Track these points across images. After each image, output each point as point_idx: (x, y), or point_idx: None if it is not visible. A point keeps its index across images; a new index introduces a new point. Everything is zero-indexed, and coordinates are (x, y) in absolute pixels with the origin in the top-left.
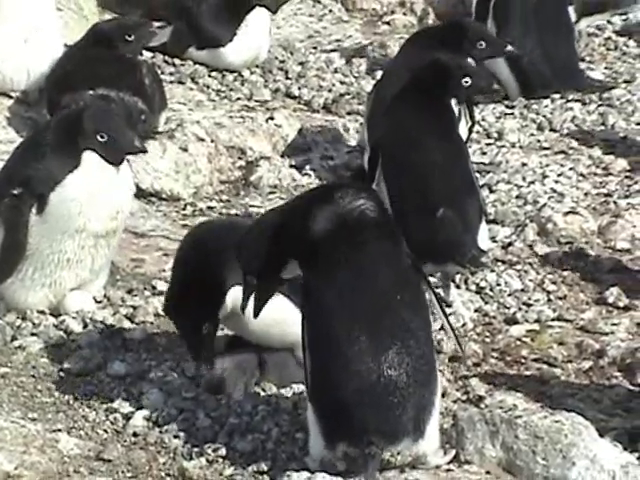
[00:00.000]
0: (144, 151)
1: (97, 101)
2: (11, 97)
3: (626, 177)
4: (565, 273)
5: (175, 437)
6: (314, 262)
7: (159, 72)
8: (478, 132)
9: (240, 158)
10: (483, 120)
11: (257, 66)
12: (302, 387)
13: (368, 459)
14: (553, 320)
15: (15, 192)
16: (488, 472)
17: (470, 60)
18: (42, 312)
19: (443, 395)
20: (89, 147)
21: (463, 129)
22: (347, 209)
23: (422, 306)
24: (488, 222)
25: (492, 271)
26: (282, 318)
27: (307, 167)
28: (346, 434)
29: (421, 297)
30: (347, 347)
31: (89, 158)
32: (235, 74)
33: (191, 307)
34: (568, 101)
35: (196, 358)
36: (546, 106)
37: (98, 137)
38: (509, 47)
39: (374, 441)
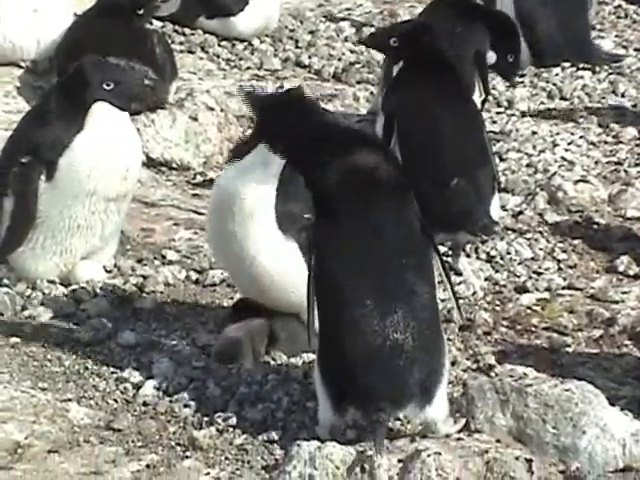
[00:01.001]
0: (153, 87)
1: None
2: (21, 67)
3: (636, 145)
4: (575, 242)
5: (185, 406)
6: (323, 212)
7: (169, 41)
8: (488, 101)
9: (250, 127)
10: (493, 89)
11: (267, 35)
12: (312, 356)
13: (376, 426)
14: (563, 289)
15: (23, 160)
16: (498, 441)
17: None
18: (52, 282)
19: (453, 364)
20: (98, 98)
21: (476, 100)
22: (362, 164)
23: (428, 270)
24: (499, 191)
25: (502, 239)
26: (295, 279)
27: None
28: (354, 400)
29: (428, 261)
30: (352, 311)
31: (97, 114)
32: (245, 43)
33: None
34: (578, 69)
35: None
36: (556, 74)
37: (104, 86)
38: None
39: (382, 407)
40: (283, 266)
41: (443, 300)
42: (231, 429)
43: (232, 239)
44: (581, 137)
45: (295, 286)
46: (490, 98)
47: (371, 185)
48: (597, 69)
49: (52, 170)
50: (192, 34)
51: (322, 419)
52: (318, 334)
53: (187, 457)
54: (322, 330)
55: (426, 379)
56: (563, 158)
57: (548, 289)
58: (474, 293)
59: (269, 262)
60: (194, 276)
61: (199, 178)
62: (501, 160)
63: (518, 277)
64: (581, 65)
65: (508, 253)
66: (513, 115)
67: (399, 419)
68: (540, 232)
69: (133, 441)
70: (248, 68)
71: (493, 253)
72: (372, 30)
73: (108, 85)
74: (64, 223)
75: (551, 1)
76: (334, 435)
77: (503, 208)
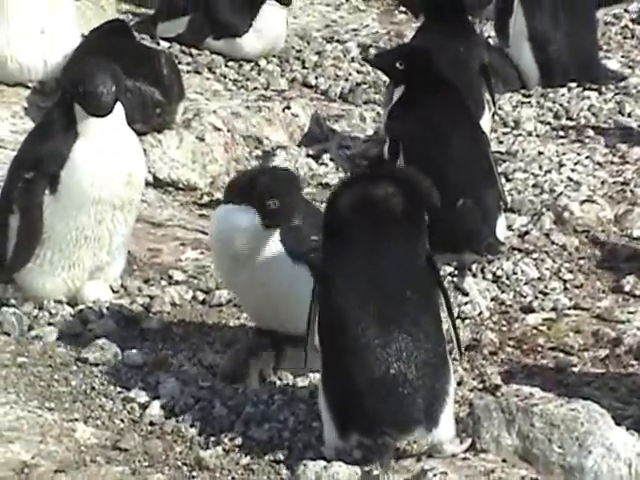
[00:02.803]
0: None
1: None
2: (28, 87)
3: None
4: (581, 262)
5: (191, 426)
6: (332, 238)
7: (176, 62)
8: (495, 121)
9: (257, 147)
10: (500, 109)
11: (274, 56)
12: (318, 376)
13: (382, 449)
14: (569, 308)
15: (27, 176)
16: (504, 460)
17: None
18: (59, 302)
19: (459, 384)
20: (75, 100)
21: (488, 118)
22: (374, 193)
23: (433, 300)
24: (505, 211)
25: (508, 259)
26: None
27: (324, 156)
28: (358, 425)
29: (433, 291)
30: (355, 338)
31: (87, 121)
32: (252, 64)
33: None
34: (585, 89)
35: None
36: (563, 95)
37: (79, 88)
38: None
39: (387, 431)
40: (294, 289)
41: None
42: (237, 449)
43: (240, 266)
44: (587, 157)
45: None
46: (496, 118)
47: (379, 215)
48: (603, 89)
49: (55, 183)
50: (199, 55)
51: (327, 442)
52: (322, 359)
53: (194, 477)
54: (326, 356)
55: (431, 405)
56: (569, 178)
57: (554, 309)
58: (480, 313)
59: (279, 286)
60: (201, 296)
61: (206, 198)
62: (507, 180)
63: (524, 297)
64: (587, 85)
65: (514, 273)
66: (519, 135)
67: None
68: (546, 252)
69: (140, 461)
70: (255, 88)
71: (499, 273)
72: (378, 51)
73: (81, 88)
74: (71, 235)
75: (563, 23)
76: (340, 456)
77: (509, 228)
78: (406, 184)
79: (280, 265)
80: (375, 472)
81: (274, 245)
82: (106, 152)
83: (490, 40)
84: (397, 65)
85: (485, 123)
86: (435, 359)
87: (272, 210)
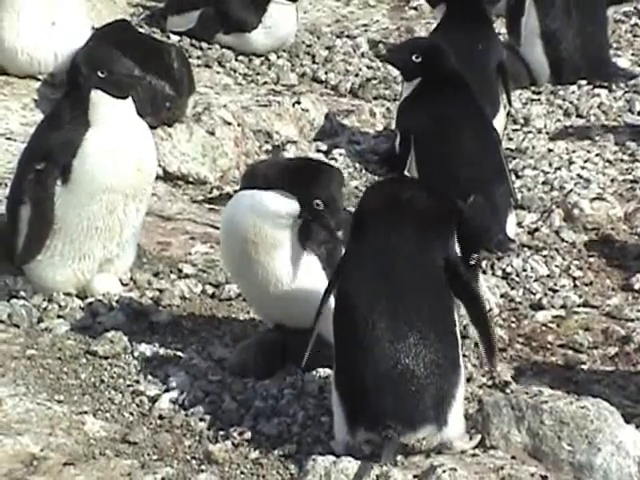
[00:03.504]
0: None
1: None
2: (39, 79)
3: None
4: (591, 259)
5: (201, 420)
6: (355, 236)
7: (186, 56)
8: (507, 118)
9: (267, 142)
10: (511, 106)
11: (284, 50)
12: (328, 371)
13: (385, 442)
14: (579, 306)
15: (39, 167)
16: (514, 457)
17: None
18: (68, 294)
19: (469, 380)
20: (94, 86)
21: (503, 116)
22: (395, 194)
23: (447, 300)
24: (515, 208)
25: (518, 256)
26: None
27: (334, 151)
28: (365, 419)
29: (445, 292)
30: (367, 334)
31: (100, 107)
32: (262, 58)
33: None
34: (595, 87)
35: None
36: (573, 92)
37: (99, 74)
38: None
39: (391, 425)
40: (306, 281)
41: (459, 316)
42: (246, 443)
43: (252, 263)
44: (597, 155)
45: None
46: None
47: (400, 215)
48: (613, 87)
49: (67, 173)
50: (209, 49)
51: (337, 437)
52: (334, 354)
53: (202, 471)
54: (338, 350)
55: (441, 403)
56: (579, 176)
57: (564, 306)
58: (490, 310)
59: (292, 281)
60: (210, 290)
61: (215, 192)
62: (517, 177)
63: (534, 294)
64: (597, 83)
65: (524, 270)
66: (529, 132)
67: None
68: (556, 249)
69: (149, 454)
70: (265, 83)
71: (509, 270)
72: (389, 46)
73: (102, 73)
74: (82, 226)
75: (575, 21)
76: (350, 451)
77: (519, 225)
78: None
79: (296, 260)
80: (376, 466)
81: (294, 240)
82: (117, 140)
83: (500, 37)
84: (413, 58)
85: (500, 121)
86: (446, 358)
87: (316, 209)
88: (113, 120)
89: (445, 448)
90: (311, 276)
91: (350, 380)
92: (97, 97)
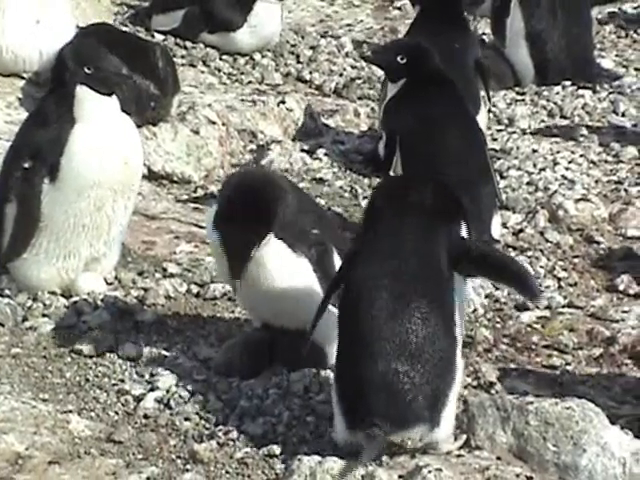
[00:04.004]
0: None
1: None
2: (23, 78)
3: (637, 165)
4: (576, 260)
5: (186, 419)
6: (362, 233)
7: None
8: (489, 118)
9: (251, 141)
10: (494, 106)
11: (268, 50)
12: (313, 370)
13: (368, 441)
14: (564, 307)
15: (26, 165)
16: (499, 458)
17: None
18: (53, 293)
19: None
20: (79, 82)
21: (484, 114)
22: (400, 193)
23: (446, 300)
24: (499, 208)
25: None
26: (304, 294)
27: (318, 151)
28: (359, 417)
29: (445, 293)
30: (363, 331)
31: (85, 103)
32: (246, 57)
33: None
34: (579, 88)
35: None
36: (557, 93)
37: (85, 69)
38: None
39: (378, 424)
40: (295, 282)
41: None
42: (232, 443)
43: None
44: (581, 156)
45: (309, 303)
46: (491, 116)
47: (404, 212)
48: (598, 88)
49: (55, 171)
50: (193, 48)
51: (337, 432)
52: (337, 350)
53: (187, 470)
54: (340, 346)
55: (435, 404)
56: (564, 177)
57: (548, 307)
58: (474, 310)
59: (280, 282)
60: (195, 289)
61: (200, 191)
62: (502, 178)
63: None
64: (582, 84)
65: None
66: (514, 133)
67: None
68: (541, 250)
69: (134, 453)
70: (249, 82)
71: None
72: (373, 47)
73: (89, 69)
74: (69, 223)
75: (560, 22)
76: (348, 447)
77: (504, 226)
78: (439, 188)
79: (285, 261)
80: (361, 466)
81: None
82: (104, 136)
83: (484, 37)
84: (398, 59)
85: (481, 120)
86: (443, 359)
87: None
88: (98, 116)
89: (431, 448)
90: (300, 277)
91: (346, 377)
92: (82, 93)
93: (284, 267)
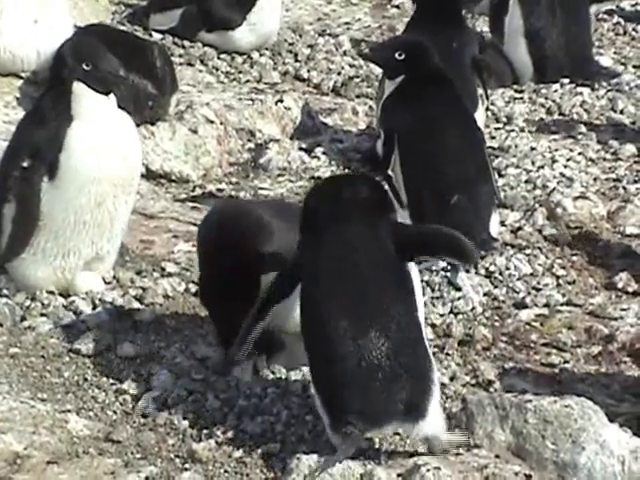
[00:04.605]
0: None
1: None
2: (21, 77)
3: (635, 162)
4: (574, 258)
5: (184, 419)
6: (307, 234)
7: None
8: (487, 116)
9: (249, 140)
10: (492, 104)
11: (266, 48)
12: None
13: (345, 439)
14: (562, 305)
15: (25, 164)
16: (497, 456)
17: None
18: (51, 293)
19: (452, 379)
20: (77, 78)
21: (482, 112)
22: (340, 191)
23: (406, 290)
24: (497, 206)
25: (501, 255)
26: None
27: (316, 150)
28: (336, 418)
29: (405, 281)
30: (327, 331)
31: (83, 99)
32: (244, 56)
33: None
34: (577, 86)
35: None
36: (555, 91)
37: (84, 66)
38: None
39: (352, 422)
40: None
41: (442, 315)
42: (230, 442)
43: None
44: (580, 154)
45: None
46: (489, 114)
47: (347, 209)
48: (596, 86)
49: (54, 169)
50: (191, 47)
51: (329, 436)
52: (306, 355)
53: (186, 469)
54: (308, 351)
55: (412, 397)
56: (562, 174)
57: (547, 305)
58: (473, 308)
59: None
60: (193, 288)
61: (198, 190)
62: (500, 176)
63: (517, 293)
64: (580, 82)
65: (507, 269)
66: (512, 131)
67: (398, 434)
68: (539, 248)
69: (132, 453)
70: (247, 81)
71: (492, 269)
72: (371, 44)
73: (87, 65)
74: (69, 220)
75: (559, 20)
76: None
77: (502, 224)
78: (366, 181)
79: None
80: (334, 462)
81: None
82: (102, 131)
83: (483, 35)
84: (396, 56)
85: (479, 118)
86: (412, 352)
87: None
88: (96, 112)
89: (432, 444)
90: None
91: (321, 381)
92: (79, 90)
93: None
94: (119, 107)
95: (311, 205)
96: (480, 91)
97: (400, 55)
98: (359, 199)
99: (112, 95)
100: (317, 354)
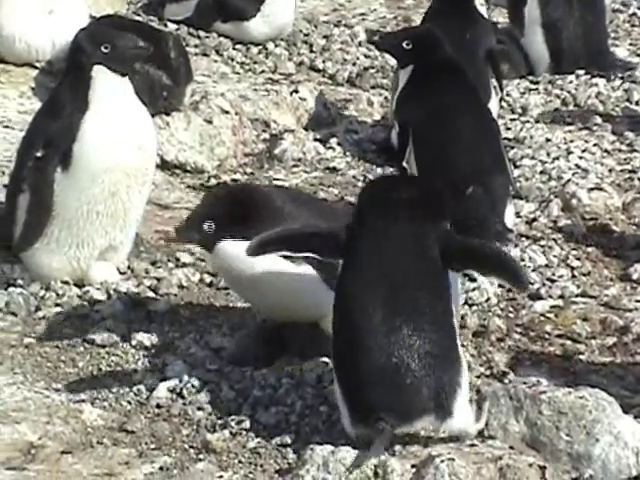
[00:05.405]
0: (148, 49)
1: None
2: (36, 67)
3: None
4: (589, 249)
5: (199, 409)
6: (355, 227)
7: (184, 44)
8: (502, 107)
9: (264, 131)
10: (508, 95)
11: (281, 39)
12: (326, 360)
13: (376, 435)
14: (577, 296)
15: (38, 154)
16: (512, 447)
17: None
18: (66, 283)
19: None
20: (96, 62)
21: (495, 103)
22: (386, 191)
23: (442, 295)
24: (513, 197)
25: (516, 246)
26: (307, 289)
27: (331, 140)
28: (362, 413)
29: (443, 287)
30: (360, 324)
31: (99, 87)
32: (259, 47)
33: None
34: (593, 77)
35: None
36: (570, 82)
37: (102, 49)
38: None
39: (384, 418)
40: (295, 282)
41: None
42: (244, 432)
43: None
44: (595, 145)
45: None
46: (504, 105)
47: (392, 210)
48: (612, 77)
49: (68, 158)
50: (207, 37)
51: (345, 426)
52: (332, 347)
53: (200, 460)
54: (336, 343)
55: (440, 394)
56: (577, 165)
57: (562, 296)
58: (488, 299)
59: (281, 284)
60: (208, 279)
61: (213, 181)
62: (515, 167)
63: (532, 284)
64: (596, 73)
65: (522, 260)
66: (527, 122)
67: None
68: (554, 239)
69: (146, 443)
70: (262, 72)
71: None
72: (382, 33)
73: (106, 48)
74: (82, 210)
75: (577, 10)
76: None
77: (517, 215)
78: (424, 184)
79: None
80: (369, 458)
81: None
82: (116, 121)
83: (498, 26)
84: (404, 45)
85: (492, 108)
86: (444, 349)
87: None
88: (114, 99)
89: (458, 439)
90: (300, 275)
91: (348, 374)
92: (100, 74)
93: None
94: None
95: (366, 197)
96: (494, 82)
97: (408, 44)
98: (414, 200)
99: (128, 80)
100: (347, 346)
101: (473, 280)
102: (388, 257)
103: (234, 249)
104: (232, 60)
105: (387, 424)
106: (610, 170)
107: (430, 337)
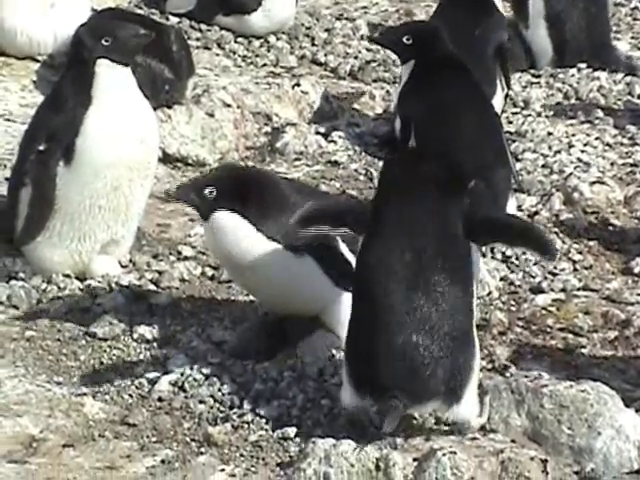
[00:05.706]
0: (150, 36)
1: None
2: (38, 61)
3: None
4: (591, 243)
5: (200, 402)
6: (376, 206)
7: (186, 38)
8: (505, 102)
9: (266, 124)
10: (509, 89)
11: (283, 32)
12: (328, 353)
13: (389, 411)
14: (579, 290)
15: (41, 148)
16: (513, 441)
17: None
18: (67, 276)
19: None
20: (99, 55)
21: (500, 99)
22: (410, 166)
23: (464, 273)
24: (515, 191)
25: None
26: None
27: (333, 134)
28: (373, 387)
29: (465, 264)
30: (381, 303)
31: (102, 81)
32: (261, 40)
33: None
34: (594, 70)
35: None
36: (572, 75)
37: (103, 42)
38: None
39: (397, 396)
40: (294, 274)
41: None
42: (246, 425)
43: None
44: (597, 138)
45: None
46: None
47: (416, 184)
48: (613, 70)
49: (70, 152)
50: (208, 30)
51: (343, 398)
52: (350, 320)
53: (202, 453)
54: (352, 314)
55: (453, 379)
56: (579, 159)
57: (563, 290)
58: (489, 293)
59: (282, 277)
60: (209, 272)
61: None
62: (517, 160)
63: (533, 277)
64: (597, 66)
65: (524, 253)
66: (529, 115)
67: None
68: (556, 233)
69: (148, 436)
70: (264, 65)
71: (509, 253)
72: (382, 29)
73: (107, 41)
74: (84, 204)
75: (580, 2)
76: (355, 413)
77: (519, 208)
78: (445, 159)
79: (257, 251)
80: (376, 448)
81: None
82: (119, 116)
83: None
84: (404, 40)
85: (497, 104)
86: (459, 333)
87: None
88: (117, 93)
89: (461, 427)
90: (300, 267)
91: (361, 347)
92: (103, 67)
93: (262, 257)
94: None
95: (389, 171)
96: (500, 77)
97: (408, 40)
98: (437, 175)
99: (131, 75)
100: (365, 320)
101: None
102: (411, 231)
103: (228, 222)
104: (234, 53)
105: (400, 402)
106: (612, 164)
107: (450, 319)
